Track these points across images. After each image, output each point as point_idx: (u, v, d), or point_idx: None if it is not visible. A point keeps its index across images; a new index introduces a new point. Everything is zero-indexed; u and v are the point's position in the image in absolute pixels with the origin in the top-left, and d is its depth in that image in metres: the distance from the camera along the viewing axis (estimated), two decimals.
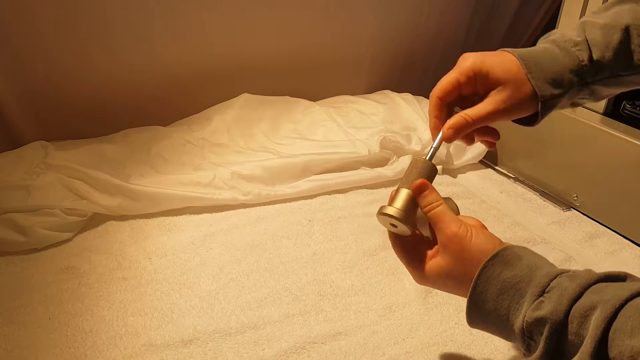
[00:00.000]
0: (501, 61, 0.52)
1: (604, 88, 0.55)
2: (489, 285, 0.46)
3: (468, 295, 0.48)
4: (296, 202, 0.97)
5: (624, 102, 0.98)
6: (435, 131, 0.55)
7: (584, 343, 0.39)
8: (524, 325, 0.43)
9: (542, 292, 0.43)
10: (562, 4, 1.04)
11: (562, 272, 0.44)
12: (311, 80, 1.31)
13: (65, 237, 0.83)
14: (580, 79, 0.53)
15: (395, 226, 0.53)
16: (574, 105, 0.58)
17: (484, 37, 1.51)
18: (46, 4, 0.94)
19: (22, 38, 0.96)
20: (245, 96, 1.19)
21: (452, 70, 0.54)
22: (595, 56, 0.53)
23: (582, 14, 1.00)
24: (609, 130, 0.92)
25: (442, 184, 1.07)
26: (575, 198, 1.00)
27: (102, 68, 1.06)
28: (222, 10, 1.11)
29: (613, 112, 0.99)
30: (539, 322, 0.42)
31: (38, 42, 0.97)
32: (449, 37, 1.43)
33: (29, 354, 0.63)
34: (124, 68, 1.08)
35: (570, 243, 0.92)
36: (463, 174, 1.13)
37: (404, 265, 0.54)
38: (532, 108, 0.53)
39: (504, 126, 1.13)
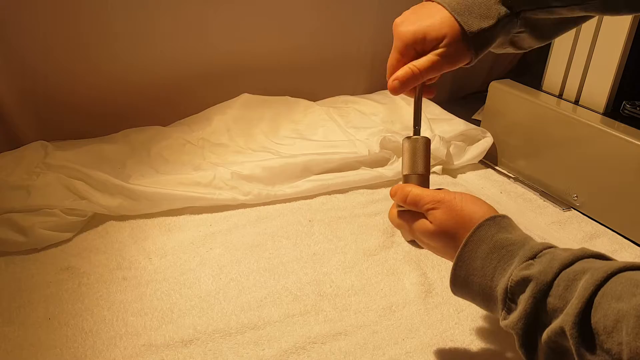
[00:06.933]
0: (434, 21, 0.52)
1: (539, 21, 0.54)
2: (481, 244, 0.46)
3: (457, 251, 0.47)
4: (296, 202, 0.97)
5: (624, 102, 0.98)
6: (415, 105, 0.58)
7: (570, 304, 0.38)
8: (509, 284, 0.42)
9: (534, 256, 0.43)
10: None
11: (556, 246, 0.44)
12: (311, 80, 1.31)
13: (65, 237, 0.83)
14: (509, 9, 0.52)
15: None
16: (515, 45, 0.56)
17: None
18: (46, 4, 0.94)
19: (22, 38, 0.96)
20: (245, 96, 1.19)
21: (393, 48, 0.55)
22: None
23: None
24: (609, 130, 0.92)
25: (442, 184, 1.07)
26: (575, 198, 1.00)
27: (102, 68, 1.06)
28: (222, 10, 1.11)
29: (613, 112, 0.99)
30: (524, 281, 0.41)
31: (38, 42, 0.97)
32: None
33: (29, 354, 0.63)
34: (124, 68, 1.08)
35: (570, 243, 0.92)
36: (463, 174, 1.13)
37: (396, 224, 0.56)
38: (470, 55, 0.53)
39: (504, 126, 1.13)
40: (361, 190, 1.02)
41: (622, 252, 0.89)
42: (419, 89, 0.57)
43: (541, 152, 1.07)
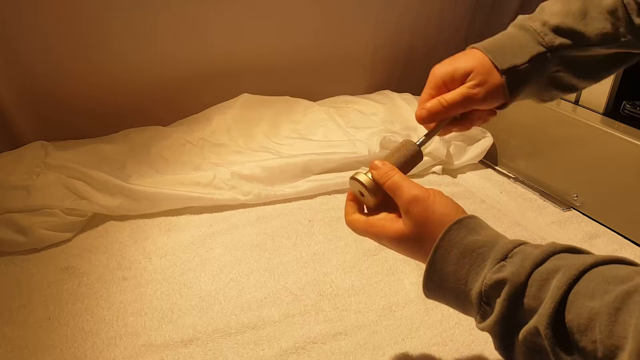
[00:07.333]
0: (466, 58, 0.54)
1: (577, 59, 0.54)
2: (451, 248, 0.45)
3: (428, 257, 0.47)
4: (296, 202, 0.97)
5: (624, 102, 0.98)
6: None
7: (543, 304, 0.38)
8: (483, 288, 0.42)
9: (505, 257, 0.42)
10: None
11: (526, 243, 0.44)
12: (311, 80, 1.31)
13: (65, 237, 0.83)
14: (543, 47, 0.53)
15: (362, 195, 0.54)
16: (556, 85, 0.56)
17: (485, 35, 1.50)
18: (46, 4, 0.94)
19: (22, 37, 0.96)
20: (245, 96, 1.19)
21: (426, 86, 0.56)
22: (553, 22, 0.53)
23: None
24: (609, 130, 0.92)
25: (442, 184, 1.07)
26: (575, 198, 1.00)
27: (102, 68, 1.06)
28: (222, 10, 1.11)
29: (613, 112, 0.99)
30: (499, 284, 0.41)
31: (38, 42, 0.97)
32: (450, 36, 1.43)
33: (29, 354, 0.63)
34: (124, 68, 1.08)
35: (570, 243, 0.91)
36: (463, 174, 1.13)
37: (360, 231, 0.53)
38: (504, 93, 0.54)
39: (504, 126, 1.13)
40: None
41: (622, 252, 0.89)
42: (438, 123, 0.57)
43: (541, 152, 1.07)
